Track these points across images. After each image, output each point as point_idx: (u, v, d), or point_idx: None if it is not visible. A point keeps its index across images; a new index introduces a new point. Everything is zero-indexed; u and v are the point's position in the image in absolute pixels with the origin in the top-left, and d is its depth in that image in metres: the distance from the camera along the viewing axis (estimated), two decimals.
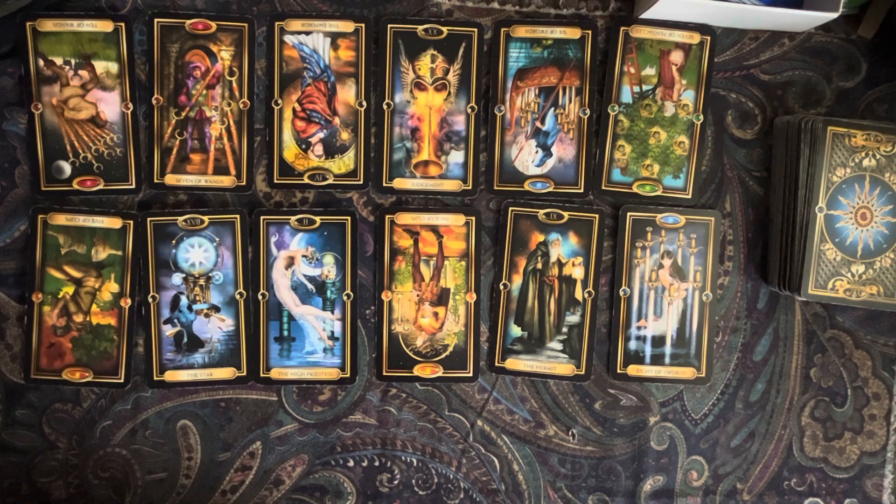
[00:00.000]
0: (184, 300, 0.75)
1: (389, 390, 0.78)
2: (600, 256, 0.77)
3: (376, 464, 0.78)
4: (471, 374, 0.77)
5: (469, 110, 0.76)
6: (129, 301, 0.74)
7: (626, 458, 0.79)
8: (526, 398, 0.78)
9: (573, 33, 0.76)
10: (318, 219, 0.75)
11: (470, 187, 0.77)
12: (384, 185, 0.76)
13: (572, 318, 0.77)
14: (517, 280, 0.77)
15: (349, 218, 0.75)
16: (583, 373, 0.78)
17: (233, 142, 0.75)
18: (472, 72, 0.76)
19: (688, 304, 0.78)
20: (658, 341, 0.78)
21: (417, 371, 0.77)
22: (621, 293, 0.77)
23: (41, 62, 0.73)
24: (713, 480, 0.79)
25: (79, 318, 0.74)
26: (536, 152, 0.77)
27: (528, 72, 0.76)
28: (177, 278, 0.75)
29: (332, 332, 0.76)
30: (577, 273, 0.77)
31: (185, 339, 0.75)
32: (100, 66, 0.74)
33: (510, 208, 0.77)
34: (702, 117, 0.77)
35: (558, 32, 0.76)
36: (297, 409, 0.77)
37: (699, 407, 0.79)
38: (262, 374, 0.76)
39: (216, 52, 0.74)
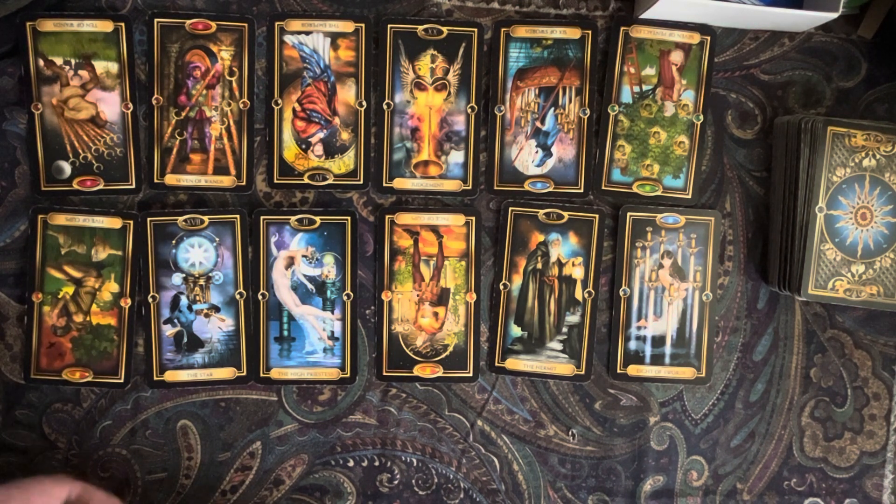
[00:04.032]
0: (184, 300, 0.75)
1: (389, 390, 0.78)
2: (600, 256, 0.77)
3: (376, 464, 0.78)
4: (471, 374, 0.77)
5: (469, 110, 0.76)
6: (129, 301, 0.74)
7: (626, 458, 0.79)
8: (526, 398, 0.78)
9: (573, 33, 0.76)
10: (318, 219, 0.75)
11: (470, 187, 0.77)
12: (384, 185, 0.76)
13: (572, 318, 0.77)
14: (517, 280, 0.77)
15: (349, 218, 0.75)
16: (583, 373, 0.78)
17: (233, 142, 0.75)
18: (472, 72, 0.76)
19: (688, 304, 0.78)
20: (658, 341, 0.78)
21: (417, 371, 0.77)
22: (621, 293, 0.77)
23: (41, 62, 0.73)
24: (713, 480, 0.79)
25: (79, 318, 0.74)
26: (536, 152, 0.77)
27: (528, 72, 0.76)
28: (177, 278, 0.75)
29: (332, 332, 0.76)
30: (577, 273, 0.77)
31: (185, 339, 0.75)
32: (100, 66, 0.74)
33: (510, 208, 0.77)
34: (702, 117, 0.77)
35: (558, 32, 0.76)
36: (297, 409, 0.77)
37: (699, 407, 0.79)
38: (262, 374, 0.76)
39: (216, 52, 0.74)
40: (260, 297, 0.75)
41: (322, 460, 0.77)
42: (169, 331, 0.75)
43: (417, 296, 0.77)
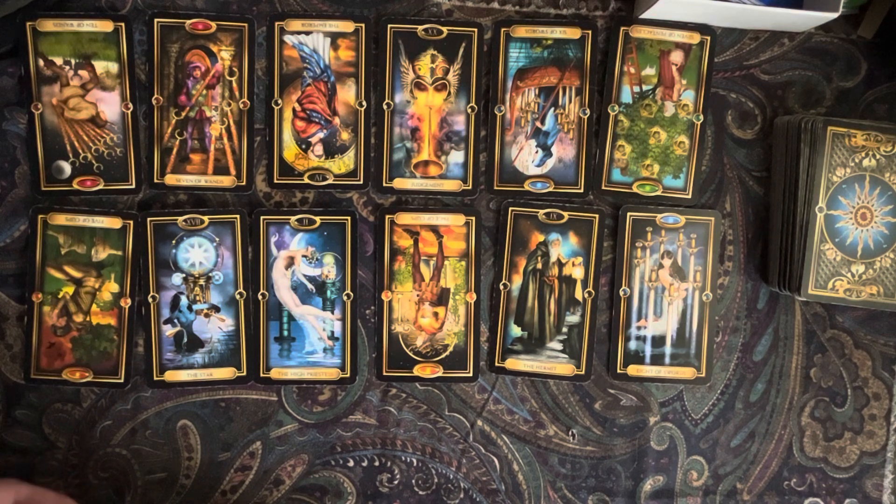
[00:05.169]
0: (184, 300, 0.75)
1: (389, 390, 0.78)
2: (600, 256, 0.77)
3: (376, 464, 0.78)
4: (471, 374, 0.77)
5: (469, 110, 0.76)
6: (129, 301, 0.74)
7: (626, 458, 0.79)
8: (526, 398, 0.78)
9: (573, 33, 0.76)
10: (318, 219, 0.75)
11: (470, 187, 0.77)
12: (384, 185, 0.76)
13: (572, 318, 0.77)
14: (517, 280, 0.77)
15: (349, 218, 0.75)
16: (583, 373, 0.78)
17: (233, 142, 0.75)
18: (472, 72, 0.76)
19: (688, 304, 0.78)
20: (658, 341, 0.78)
21: (417, 371, 0.77)
22: (621, 293, 0.77)
23: (41, 62, 0.73)
24: (713, 480, 0.79)
25: (79, 318, 0.74)
26: (536, 152, 0.77)
27: (528, 72, 0.76)
28: (177, 278, 0.75)
29: (332, 332, 0.76)
30: (577, 273, 0.77)
31: (185, 339, 0.75)
32: (100, 66, 0.74)
33: (510, 208, 0.77)
34: (702, 117, 0.77)
35: (558, 32, 0.76)
36: (297, 409, 0.77)
37: (699, 407, 0.79)
38: (262, 374, 0.76)
39: (216, 52, 0.74)
40: (260, 297, 0.75)
41: (322, 460, 0.77)
42: (169, 331, 0.75)
43: (417, 296, 0.77)
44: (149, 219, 0.74)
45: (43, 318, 0.74)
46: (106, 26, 0.73)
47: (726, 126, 0.78)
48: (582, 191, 0.77)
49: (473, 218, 0.76)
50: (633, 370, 0.78)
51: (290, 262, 0.76)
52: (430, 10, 0.76)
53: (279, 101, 0.75)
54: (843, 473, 0.80)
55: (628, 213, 0.77)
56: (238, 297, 0.75)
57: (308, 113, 0.76)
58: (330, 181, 0.76)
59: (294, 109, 0.75)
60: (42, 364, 0.74)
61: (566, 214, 0.77)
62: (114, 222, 0.74)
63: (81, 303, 0.74)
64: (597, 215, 0.77)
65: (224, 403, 0.76)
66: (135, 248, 0.74)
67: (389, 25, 0.75)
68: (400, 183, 0.76)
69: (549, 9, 0.77)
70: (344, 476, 0.77)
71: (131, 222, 0.74)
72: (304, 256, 0.76)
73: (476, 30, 0.76)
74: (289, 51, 0.75)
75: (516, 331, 0.77)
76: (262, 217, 0.75)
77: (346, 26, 0.75)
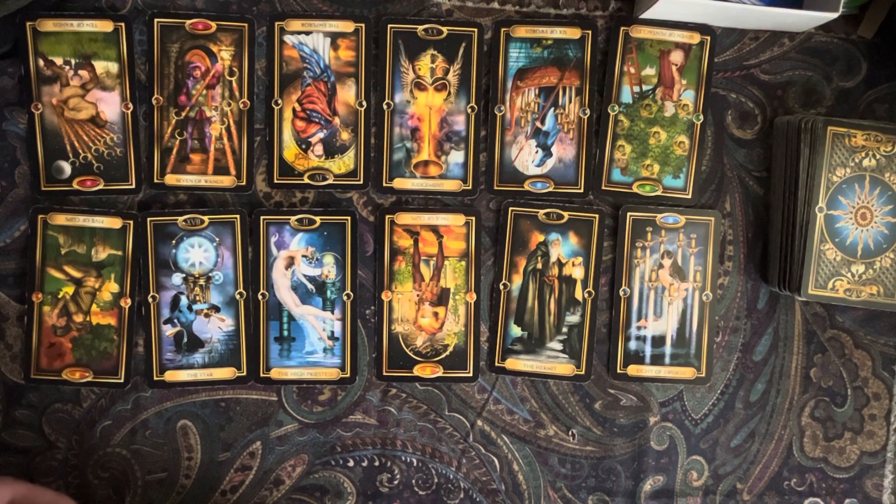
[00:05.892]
0: (184, 300, 0.75)
1: (389, 390, 0.78)
2: (600, 256, 0.77)
3: (376, 464, 0.78)
4: (471, 374, 0.77)
5: (469, 110, 0.76)
6: (129, 301, 0.74)
7: (626, 458, 0.79)
8: (526, 398, 0.78)
9: (573, 33, 0.76)
10: (318, 219, 0.75)
11: (470, 187, 0.77)
12: (384, 185, 0.76)
13: (572, 318, 0.77)
14: (517, 280, 0.77)
15: (349, 218, 0.75)
16: (583, 373, 0.78)
17: (233, 142, 0.75)
18: (472, 72, 0.76)
19: (688, 304, 0.78)
20: (658, 341, 0.78)
21: (417, 371, 0.77)
22: (621, 293, 0.77)
23: (41, 62, 0.73)
24: (713, 480, 0.79)
25: (79, 318, 0.74)
26: (536, 152, 0.77)
27: (528, 72, 0.76)
28: (177, 278, 0.75)
29: (332, 332, 0.76)
30: (577, 273, 0.77)
31: (185, 339, 0.75)
32: (100, 66, 0.74)
33: (510, 208, 0.77)
34: (702, 117, 0.77)
35: (558, 32, 0.76)
36: (297, 409, 0.77)
37: (699, 407, 0.79)
38: (262, 374, 0.76)
39: (216, 52, 0.74)
40: (260, 297, 0.75)
41: (322, 460, 0.77)
42: (169, 331, 0.75)
43: (417, 296, 0.77)
44: (149, 219, 0.74)
45: (43, 318, 0.74)
46: (106, 26, 0.73)
47: (726, 126, 0.78)
48: (582, 191, 0.77)
49: (473, 218, 0.76)
50: (633, 370, 0.78)
51: (290, 262, 0.76)
52: (430, 10, 0.76)
53: (279, 101, 0.75)
54: (843, 473, 0.80)
55: (628, 213, 0.77)
56: (238, 297, 0.75)
57: (308, 113, 0.76)
58: (330, 181, 0.76)
59: (294, 109, 0.75)
60: (42, 364, 0.74)
61: (566, 214, 0.77)
62: (114, 222, 0.74)
63: (81, 303, 0.74)
64: (597, 215, 0.77)
65: (224, 403, 0.76)
66: (135, 248, 0.74)
67: (389, 25, 0.75)
68: (400, 183, 0.76)
69: (549, 9, 0.77)
70: (344, 476, 0.77)
71: (131, 222, 0.74)
72: (304, 256, 0.76)
73: (476, 30, 0.76)
74: (289, 51, 0.75)
75: (516, 331, 0.77)
76: (262, 217, 0.75)
77: (346, 26, 0.75)
